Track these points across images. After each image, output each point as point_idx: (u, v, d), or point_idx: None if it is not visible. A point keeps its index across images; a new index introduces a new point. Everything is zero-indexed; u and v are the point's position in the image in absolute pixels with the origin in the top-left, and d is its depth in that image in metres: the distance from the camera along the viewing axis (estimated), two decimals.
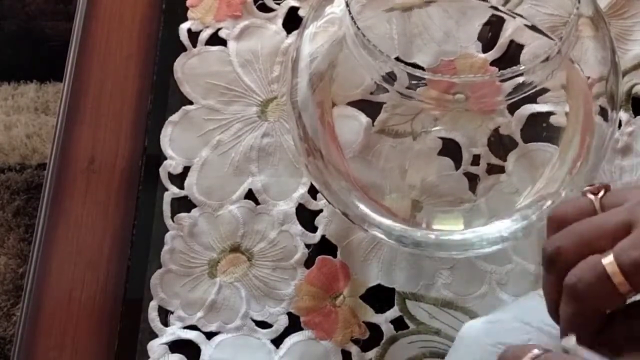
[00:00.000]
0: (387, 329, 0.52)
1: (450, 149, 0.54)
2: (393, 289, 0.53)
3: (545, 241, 0.38)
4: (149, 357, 0.52)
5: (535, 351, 0.34)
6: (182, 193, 0.57)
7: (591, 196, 0.37)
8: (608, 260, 0.34)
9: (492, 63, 0.57)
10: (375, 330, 0.52)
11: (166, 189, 0.57)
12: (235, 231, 0.55)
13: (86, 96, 0.61)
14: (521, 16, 0.56)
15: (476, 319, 0.46)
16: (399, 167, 0.54)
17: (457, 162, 0.53)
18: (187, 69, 0.61)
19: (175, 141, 0.59)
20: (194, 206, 0.56)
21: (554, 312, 0.38)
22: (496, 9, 0.57)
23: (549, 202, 0.48)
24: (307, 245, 0.54)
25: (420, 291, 0.52)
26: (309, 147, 0.49)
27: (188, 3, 0.63)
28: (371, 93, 0.54)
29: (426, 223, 0.51)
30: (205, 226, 0.55)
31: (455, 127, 0.54)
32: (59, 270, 0.55)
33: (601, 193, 0.38)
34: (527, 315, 0.44)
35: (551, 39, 0.54)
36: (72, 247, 0.56)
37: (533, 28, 0.56)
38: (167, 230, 0.56)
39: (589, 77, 0.48)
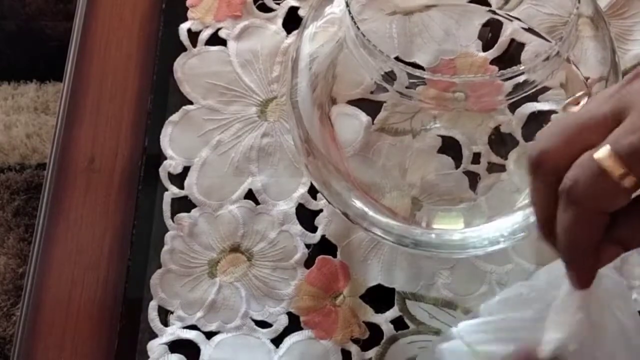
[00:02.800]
0: (387, 329, 0.52)
1: (451, 147, 0.54)
2: (393, 289, 0.53)
3: (529, 146, 0.34)
4: (149, 357, 0.52)
5: None
6: (182, 193, 0.57)
7: (574, 109, 0.35)
8: (603, 153, 0.31)
9: (492, 62, 0.57)
10: (375, 330, 0.52)
11: (166, 189, 0.57)
12: (235, 231, 0.55)
13: (86, 96, 0.61)
14: (519, 19, 0.56)
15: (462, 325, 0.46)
16: (398, 166, 0.54)
17: (457, 161, 0.53)
18: (187, 69, 0.61)
19: (175, 141, 0.59)
20: (194, 206, 0.56)
21: (544, 226, 0.35)
22: (494, 12, 0.57)
23: None
24: (307, 245, 0.54)
25: (420, 291, 0.52)
26: (309, 147, 0.49)
27: (188, 3, 0.63)
28: (371, 92, 0.54)
29: (426, 222, 0.51)
30: (205, 226, 0.55)
31: (456, 125, 0.54)
32: (58, 270, 0.55)
33: (583, 101, 0.35)
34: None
35: (548, 41, 0.54)
36: (72, 247, 0.56)
37: (531, 31, 0.56)
38: (167, 230, 0.56)
39: (588, 77, 0.48)
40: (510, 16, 0.57)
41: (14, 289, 1.22)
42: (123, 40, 0.63)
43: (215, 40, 0.62)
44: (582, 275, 0.34)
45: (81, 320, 0.54)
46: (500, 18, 0.57)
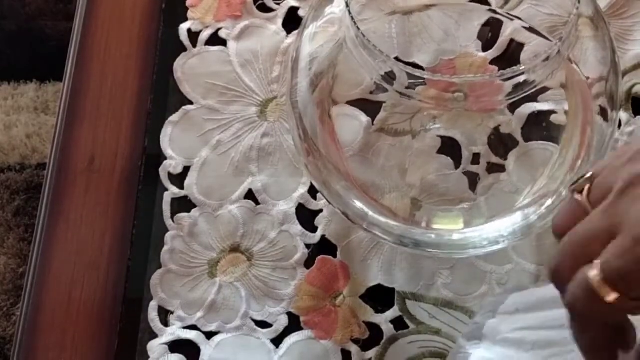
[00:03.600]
0: (387, 329, 0.52)
1: (450, 147, 0.54)
2: (393, 289, 0.53)
3: (546, 269, 0.37)
4: (149, 357, 0.52)
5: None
6: (182, 193, 0.57)
7: (578, 197, 0.36)
8: (593, 274, 0.33)
9: (492, 62, 0.57)
10: (375, 330, 0.52)
11: (166, 189, 0.57)
12: (235, 231, 0.55)
13: (86, 96, 0.61)
14: (519, 19, 0.56)
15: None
16: (398, 166, 0.54)
17: (457, 161, 0.53)
18: (187, 69, 0.61)
19: (175, 141, 0.59)
20: (194, 206, 0.56)
21: (587, 355, 0.36)
22: (494, 12, 0.57)
23: (549, 201, 0.48)
24: (307, 245, 0.54)
25: (420, 291, 0.52)
26: (309, 147, 0.49)
27: (188, 3, 0.63)
28: (371, 92, 0.54)
29: (426, 222, 0.51)
30: (205, 226, 0.55)
31: (455, 125, 0.54)
32: (58, 270, 0.55)
33: (586, 189, 0.36)
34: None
35: (550, 40, 0.54)
36: (72, 247, 0.56)
37: (531, 30, 0.56)
38: (167, 230, 0.56)
39: (588, 77, 0.48)
40: (511, 15, 0.57)
41: (14, 289, 1.22)
42: (123, 40, 0.63)
43: (215, 40, 0.62)
44: None
45: (81, 320, 0.54)
46: (501, 17, 0.57)
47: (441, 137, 0.54)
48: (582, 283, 0.33)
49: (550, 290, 0.42)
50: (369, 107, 0.54)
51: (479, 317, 0.47)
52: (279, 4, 0.63)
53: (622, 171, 0.34)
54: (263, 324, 0.53)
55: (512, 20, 0.57)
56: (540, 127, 0.53)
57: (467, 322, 0.51)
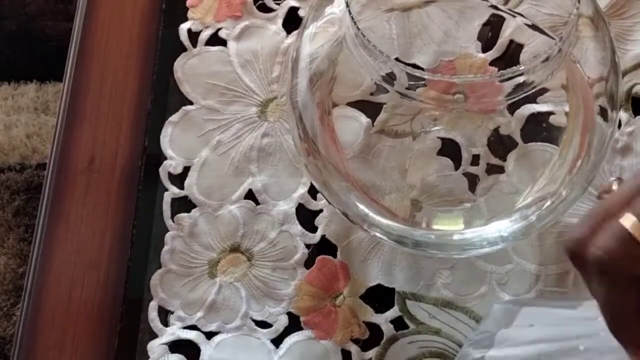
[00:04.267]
0: (387, 329, 0.52)
1: (450, 149, 0.54)
2: (393, 289, 0.53)
3: (565, 242, 0.35)
4: (149, 357, 0.52)
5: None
6: (182, 193, 0.57)
7: (606, 196, 0.35)
8: (627, 219, 0.32)
9: (492, 63, 0.57)
10: (375, 330, 0.52)
11: (166, 189, 0.57)
12: (235, 231, 0.55)
13: (86, 96, 0.61)
14: (522, 15, 0.56)
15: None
16: (398, 167, 0.54)
17: (457, 162, 0.53)
18: (187, 69, 0.61)
19: (175, 141, 0.59)
20: (194, 206, 0.56)
21: (613, 321, 0.35)
22: (496, 8, 0.57)
23: (548, 202, 0.48)
24: (307, 245, 0.54)
25: (420, 291, 0.52)
26: (309, 147, 0.49)
27: (188, 3, 0.63)
28: (371, 93, 0.54)
29: (426, 223, 0.51)
30: (205, 226, 0.55)
31: (455, 127, 0.54)
32: (59, 270, 0.55)
33: (615, 186, 0.36)
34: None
35: (552, 37, 0.54)
36: (72, 247, 0.56)
37: (533, 27, 0.56)
38: (167, 230, 0.56)
39: (589, 77, 0.48)
40: (513, 12, 0.57)
41: (14, 289, 1.22)
42: (123, 40, 0.63)
43: (215, 40, 0.62)
44: (631, 339, 0.35)
45: (81, 320, 0.54)
46: (502, 14, 0.57)
47: (441, 138, 0.54)
48: (615, 232, 0.32)
49: (567, 312, 0.42)
50: (369, 108, 0.54)
51: (488, 325, 0.47)
52: (279, 4, 0.63)
53: None
54: (263, 324, 0.53)
55: (514, 17, 0.57)
56: (539, 128, 0.53)
57: (467, 322, 0.51)
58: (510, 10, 0.57)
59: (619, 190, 0.34)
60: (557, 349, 0.43)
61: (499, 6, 0.57)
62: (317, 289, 0.53)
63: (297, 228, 0.55)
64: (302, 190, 0.56)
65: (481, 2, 0.57)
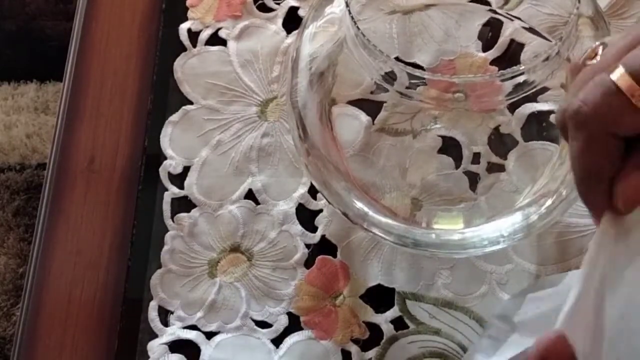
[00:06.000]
0: (387, 329, 0.52)
1: (451, 147, 0.54)
2: (393, 289, 0.53)
3: (562, 101, 0.32)
4: (149, 357, 0.52)
5: None
6: (182, 193, 0.57)
7: (594, 61, 0.33)
8: (617, 73, 0.30)
9: (492, 62, 0.57)
10: (375, 330, 0.52)
11: (166, 189, 0.57)
12: (235, 231, 0.55)
13: (86, 96, 0.61)
14: (519, 19, 0.56)
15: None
16: (399, 166, 0.54)
17: (457, 161, 0.53)
18: (187, 69, 0.61)
19: (175, 141, 0.59)
20: (194, 206, 0.56)
21: (583, 181, 0.32)
22: (494, 12, 0.57)
23: (549, 201, 0.48)
24: (307, 245, 0.54)
25: (420, 291, 0.52)
26: (309, 147, 0.49)
27: (188, 3, 0.63)
28: (371, 92, 0.54)
29: (426, 222, 0.51)
30: (205, 226, 0.55)
31: (456, 125, 0.54)
32: (59, 270, 0.55)
33: (600, 50, 0.33)
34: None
35: (549, 40, 0.54)
36: (72, 247, 0.56)
37: (531, 30, 0.56)
38: (167, 230, 0.56)
39: None
40: (511, 15, 0.57)
41: (14, 289, 1.22)
42: (123, 40, 0.63)
43: (215, 40, 0.62)
44: (598, 203, 0.32)
45: (81, 320, 0.54)
46: (501, 17, 0.57)
47: (441, 136, 0.54)
48: (599, 83, 0.30)
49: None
50: (370, 106, 0.54)
51: (494, 331, 0.47)
52: (279, 4, 0.63)
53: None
54: (263, 324, 0.53)
55: (512, 20, 0.57)
56: (540, 127, 0.53)
57: (467, 322, 0.51)
58: (508, 14, 0.57)
59: (607, 52, 0.32)
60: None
61: (498, 10, 0.57)
62: (317, 289, 0.53)
63: (297, 228, 0.55)
64: (302, 190, 0.56)
65: (480, 6, 0.57)
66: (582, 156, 0.31)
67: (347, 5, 0.44)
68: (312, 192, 0.56)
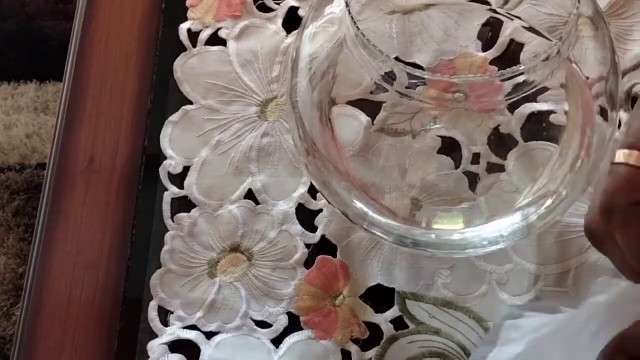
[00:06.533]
0: (387, 329, 0.52)
1: (450, 147, 0.54)
2: (393, 289, 0.53)
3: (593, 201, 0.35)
4: (149, 357, 0.52)
5: None
6: (182, 193, 0.57)
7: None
8: (621, 154, 0.33)
9: (492, 62, 0.57)
10: (375, 330, 0.52)
11: (166, 189, 0.57)
12: (235, 231, 0.55)
13: (86, 96, 0.61)
14: (519, 18, 0.56)
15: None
16: (398, 166, 0.54)
17: (457, 161, 0.53)
18: (187, 69, 0.61)
19: (175, 141, 0.59)
20: (194, 206, 0.56)
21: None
22: (495, 12, 0.57)
23: (549, 202, 0.48)
24: (307, 245, 0.54)
25: (420, 291, 0.52)
26: (309, 147, 0.49)
27: (188, 3, 0.63)
28: (371, 92, 0.54)
29: (426, 222, 0.51)
30: (205, 226, 0.55)
31: (455, 125, 0.54)
32: (59, 270, 0.55)
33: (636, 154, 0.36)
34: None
35: (549, 40, 0.54)
36: (72, 247, 0.56)
37: (531, 30, 0.56)
38: (167, 230, 0.56)
39: (588, 77, 0.48)
40: (511, 15, 0.57)
41: (14, 289, 1.22)
42: (123, 40, 0.63)
43: (215, 40, 0.62)
44: None
45: (81, 320, 0.54)
46: (501, 17, 0.57)
47: (441, 137, 0.54)
48: (611, 171, 0.33)
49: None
50: (369, 107, 0.54)
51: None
52: (279, 4, 0.63)
53: None
54: (263, 324, 0.53)
55: (512, 20, 0.57)
56: (540, 127, 0.53)
57: (467, 322, 0.51)
58: (508, 13, 0.57)
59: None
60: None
61: (498, 10, 0.57)
62: (317, 289, 0.53)
63: (297, 228, 0.55)
64: (302, 190, 0.56)
65: (480, 6, 0.57)
66: (628, 237, 0.35)
67: (347, 5, 0.44)
68: (312, 192, 0.56)
